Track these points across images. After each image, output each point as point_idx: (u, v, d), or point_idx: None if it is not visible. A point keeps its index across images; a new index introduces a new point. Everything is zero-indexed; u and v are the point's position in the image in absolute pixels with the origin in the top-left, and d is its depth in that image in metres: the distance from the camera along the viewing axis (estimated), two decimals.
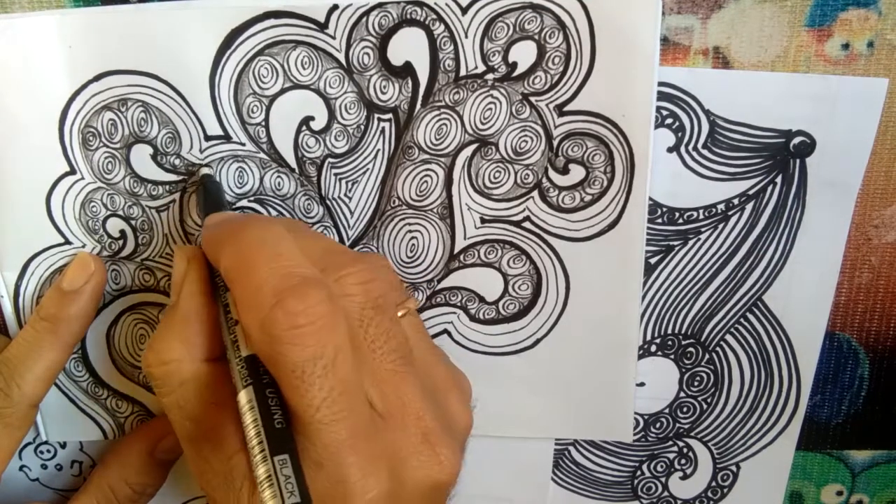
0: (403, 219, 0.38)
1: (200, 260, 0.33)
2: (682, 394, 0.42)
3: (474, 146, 0.37)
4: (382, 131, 0.36)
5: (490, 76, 0.35)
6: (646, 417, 0.43)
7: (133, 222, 0.38)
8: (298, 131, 0.36)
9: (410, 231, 0.38)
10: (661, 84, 0.35)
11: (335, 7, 0.34)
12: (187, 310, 0.32)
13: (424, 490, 0.31)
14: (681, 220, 0.38)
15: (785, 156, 0.37)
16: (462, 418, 0.34)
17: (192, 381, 0.31)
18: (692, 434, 0.43)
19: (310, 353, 0.27)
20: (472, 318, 0.40)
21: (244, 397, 0.28)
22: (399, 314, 0.33)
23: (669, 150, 0.37)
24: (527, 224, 0.38)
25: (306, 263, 0.30)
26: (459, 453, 0.32)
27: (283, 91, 0.36)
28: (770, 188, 0.37)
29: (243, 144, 0.36)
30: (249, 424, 0.28)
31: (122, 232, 0.38)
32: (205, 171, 0.37)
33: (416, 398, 0.31)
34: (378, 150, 0.37)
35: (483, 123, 0.36)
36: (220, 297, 0.32)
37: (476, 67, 0.35)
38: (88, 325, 0.38)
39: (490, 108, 0.36)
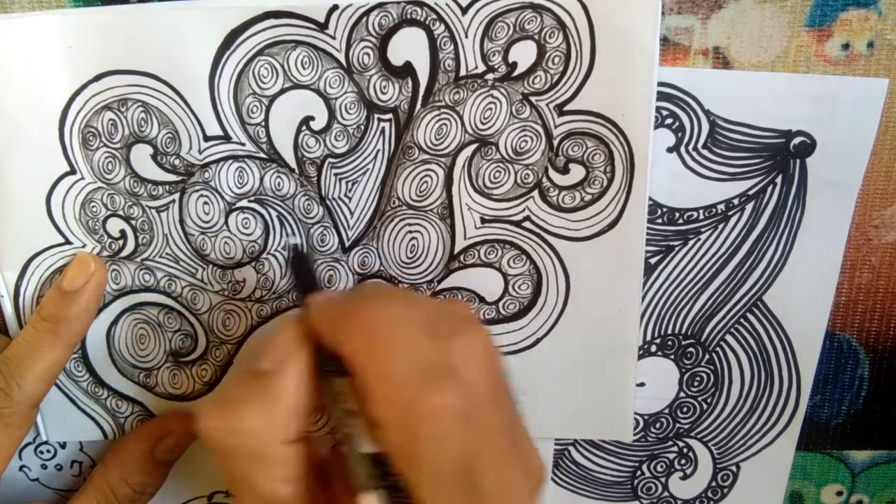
0: (403, 219, 0.38)
1: (312, 340, 0.31)
2: (682, 394, 0.42)
3: (474, 146, 0.37)
4: (382, 131, 0.36)
5: (490, 76, 0.35)
6: (646, 417, 0.43)
7: (133, 222, 0.38)
8: (298, 131, 0.36)
9: (410, 231, 0.38)
10: (661, 84, 0.35)
11: (335, 7, 0.34)
12: (288, 388, 0.30)
13: None
14: (681, 221, 0.38)
15: (785, 156, 0.37)
16: (540, 477, 0.32)
17: (269, 461, 0.29)
18: (692, 434, 0.43)
19: (450, 448, 0.26)
20: None
21: (373, 501, 0.27)
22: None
23: (669, 150, 0.37)
24: (527, 224, 0.38)
25: (435, 346, 0.28)
26: None
27: (283, 91, 0.36)
28: (770, 188, 0.37)
29: (243, 144, 0.36)
30: None
31: (122, 232, 0.38)
32: (293, 241, 0.36)
33: (519, 477, 0.30)
34: (378, 150, 0.37)
35: (483, 123, 0.36)
36: (332, 384, 0.30)
37: (476, 67, 0.35)
38: (89, 325, 0.38)
39: (490, 108, 0.36)
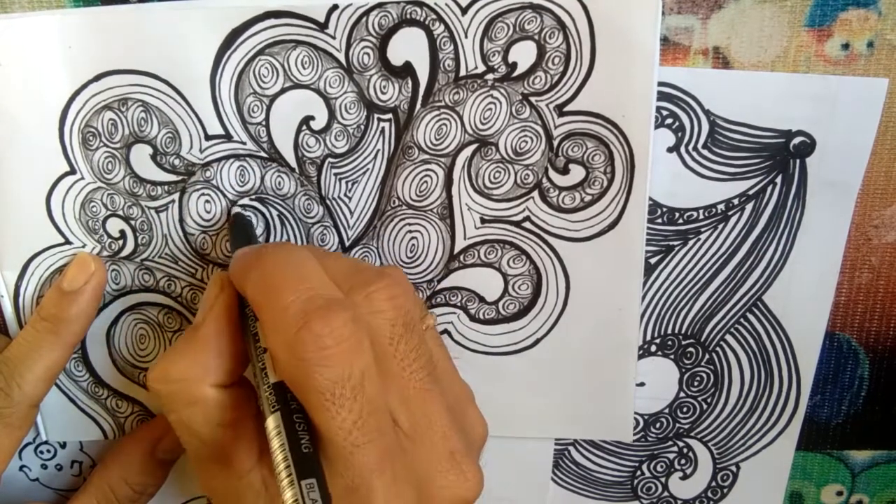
0: (403, 219, 0.38)
1: (232, 288, 0.33)
2: (682, 394, 0.42)
3: (474, 146, 0.37)
4: (382, 131, 0.36)
5: (490, 76, 0.35)
6: (646, 417, 0.43)
7: (133, 222, 0.38)
8: (299, 131, 0.36)
9: (410, 231, 0.38)
10: (661, 84, 0.35)
11: (335, 7, 0.34)
12: (209, 333, 0.32)
13: None
14: (681, 220, 0.38)
15: (785, 156, 0.37)
16: (479, 431, 0.34)
17: (200, 404, 0.31)
18: (692, 434, 0.43)
19: (338, 374, 0.27)
20: (472, 318, 0.40)
21: (272, 423, 0.28)
22: (423, 328, 0.33)
23: (669, 150, 0.37)
24: (527, 224, 0.38)
25: (331, 285, 0.30)
26: (479, 467, 0.32)
27: (283, 91, 0.36)
28: (770, 188, 0.37)
29: (244, 144, 0.36)
30: (277, 449, 0.27)
31: (122, 232, 0.38)
32: (236, 209, 0.37)
33: (442, 416, 0.31)
34: (378, 150, 0.37)
35: (483, 123, 0.36)
36: (250, 327, 0.31)
37: (476, 67, 0.35)
38: (89, 325, 0.38)
39: (490, 109, 0.36)
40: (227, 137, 0.36)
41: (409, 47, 0.35)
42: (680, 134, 0.37)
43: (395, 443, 0.29)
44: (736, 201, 0.38)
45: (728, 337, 0.41)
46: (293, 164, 0.37)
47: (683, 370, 0.41)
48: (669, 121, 0.36)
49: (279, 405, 0.29)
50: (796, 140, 0.36)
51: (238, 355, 0.32)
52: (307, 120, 0.36)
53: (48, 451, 0.43)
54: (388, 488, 0.28)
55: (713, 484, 0.44)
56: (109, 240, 0.38)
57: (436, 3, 0.34)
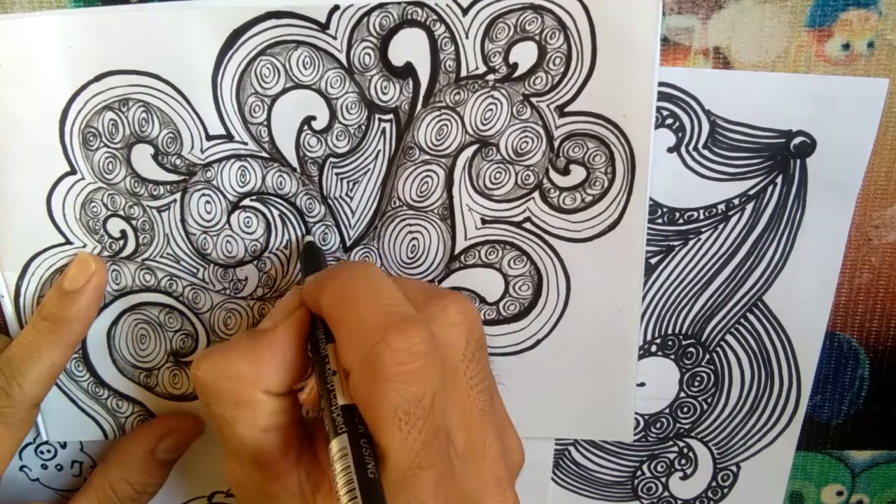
0: (404, 219, 0.38)
1: (306, 307, 0.32)
2: (682, 394, 0.42)
3: (475, 147, 0.37)
4: (383, 132, 0.36)
5: (491, 77, 0.35)
6: (646, 417, 0.43)
7: (134, 222, 0.38)
8: (300, 131, 0.36)
9: (411, 232, 0.38)
10: (661, 84, 0.35)
11: (336, 7, 0.34)
12: (278, 340, 0.31)
13: None
14: (681, 221, 0.38)
15: (785, 156, 0.37)
16: (518, 457, 0.34)
17: (249, 407, 0.31)
18: (692, 434, 0.43)
19: (412, 393, 0.27)
20: None
21: (336, 445, 0.27)
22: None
23: (670, 150, 0.37)
24: (527, 225, 0.38)
25: (406, 303, 0.29)
26: (516, 494, 0.32)
27: (284, 91, 0.36)
28: (770, 188, 0.37)
29: (245, 144, 0.36)
30: (340, 472, 0.27)
31: (123, 232, 0.38)
32: (308, 238, 0.38)
33: (494, 441, 0.31)
34: (379, 150, 0.37)
35: (484, 124, 0.36)
36: (322, 347, 0.31)
37: (477, 68, 0.35)
38: (90, 324, 0.38)
39: (491, 109, 0.36)
40: (229, 137, 0.36)
41: (410, 48, 0.35)
42: (680, 134, 0.37)
43: (451, 465, 0.29)
44: (736, 201, 0.38)
45: (728, 337, 0.41)
46: (294, 164, 0.37)
47: (684, 370, 0.41)
48: (670, 121, 0.36)
49: (346, 427, 0.28)
50: (796, 140, 0.37)
51: (298, 371, 0.32)
52: (308, 120, 0.36)
53: (48, 451, 0.43)
54: None
55: (713, 484, 0.44)
56: (110, 240, 0.38)
57: (437, 4, 0.34)
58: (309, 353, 0.32)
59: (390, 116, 0.36)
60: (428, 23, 0.34)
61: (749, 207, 0.38)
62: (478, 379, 0.31)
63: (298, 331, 0.32)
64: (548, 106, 0.36)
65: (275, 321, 0.32)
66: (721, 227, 0.38)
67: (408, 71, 0.35)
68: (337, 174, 0.37)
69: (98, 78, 0.35)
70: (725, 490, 0.44)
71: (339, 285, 0.30)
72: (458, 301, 0.31)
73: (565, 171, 0.37)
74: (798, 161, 0.37)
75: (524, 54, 0.35)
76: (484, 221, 0.38)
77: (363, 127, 0.36)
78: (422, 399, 0.27)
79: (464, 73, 0.35)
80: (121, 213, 0.38)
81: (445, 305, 0.31)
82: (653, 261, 0.39)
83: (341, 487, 0.26)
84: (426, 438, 0.27)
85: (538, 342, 0.40)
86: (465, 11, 0.34)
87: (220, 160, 0.37)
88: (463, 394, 0.30)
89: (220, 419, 0.31)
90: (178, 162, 0.37)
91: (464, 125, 0.36)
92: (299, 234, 0.38)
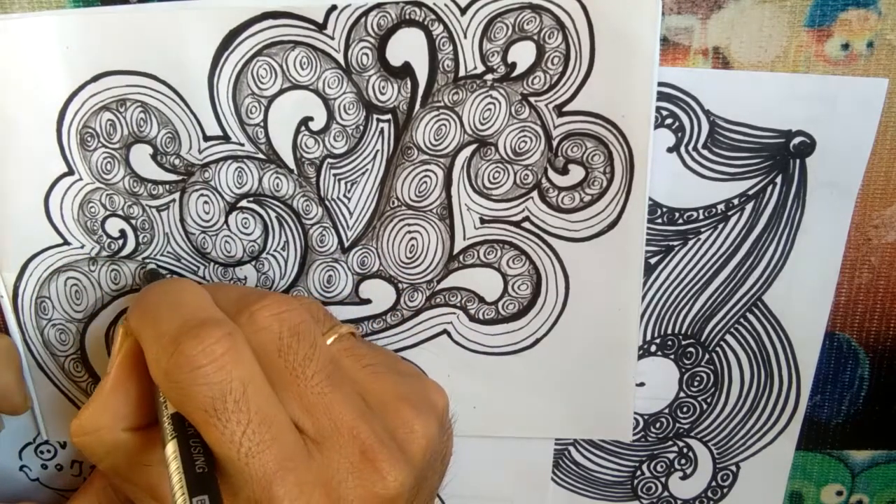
0: (403, 219, 0.38)
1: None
2: (681, 394, 0.42)
3: (473, 146, 0.36)
4: (381, 132, 0.36)
5: (489, 76, 0.35)
6: (646, 417, 0.43)
7: (133, 221, 0.38)
8: (297, 132, 0.36)
9: (410, 232, 0.38)
10: (660, 84, 0.35)
11: (334, 7, 0.34)
12: (115, 381, 0.32)
13: None
14: (681, 221, 0.38)
15: (785, 156, 0.37)
16: (416, 432, 0.33)
17: (121, 448, 0.32)
18: (692, 434, 0.43)
19: (217, 389, 0.28)
20: (472, 319, 0.40)
21: (169, 450, 0.29)
22: (328, 341, 0.33)
23: (669, 150, 0.37)
24: (526, 224, 0.38)
25: (207, 307, 0.30)
26: (406, 466, 0.32)
27: (281, 91, 0.36)
28: (770, 188, 0.37)
29: (242, 145, 0.36)
30: (173, 474, 0.28)
31: (122, 231, 0.38)
32: (150, 266, 0.38)
33: (347, 416, 0.31)
34: (377, 150, 0.37)
35: (482, 124, 0.36)
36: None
37: (475, 68, 0.35)
38: None
39: (489, 109, 0.36)
40: (225, 138, 0.36)
41: (408, 48, 0.35)
42: (680, 134, 0.36)
43: (297, 449, 0.29)
44: (736, 201, 0.38)
45: (728, 337, 0.41)
46: (292, 164, 0.37)
47: (683, 370, 0.41)
48: (669, 121, 0.36)
49: (176, 433, 0.29)
50: (796, 140, 0.36)
51: (149, 397, 0.32)
52: (306, 121, 0.36)
53: (48, 451, 0.44)
54: (292, 494, 0.28)
55: (713, 484, 0.44)
56: (109, 240, 0.38)
57: (435, 4, 0.34)
58: None
59: (388, 116, 0.36)
60: (426, 22, 0.34)
61: (749, 207, 0.38)
62: (302, 366, 0.31)
63: (132, 363, 0.32)
64: (546, 105, 0.36)
65: (111, 361, 0.33)
66: (721, 227, 0.38)
67: (406, 71, 0.35)
68: (334, 175, 0.37)
69: (95, 78, 0.35)
70: (725, 490, 0.44)
71: (142, 305, 0.31)
72: (270, 304, 0.32)
73: (564, 171, 0.37)
74: (798, 161, 0.37)
75: (522, 54, 0.35)
76: (483, 221, 0.38)
77: (361, 127, 0.36)
78: (230, 392, 0.28)
79: (462, 72, 0.35)
80: (120, 212, 0.38)
81: (254, 311, 0.31)
82: (652, 261, 0.39)
83: (174, 486, 0.28)
84: (247, 427, 0.28)
85: (537, 341, 0.40)
86: (463, 11, 0.34)
87: (217, 161, 0.37)
88: (292, 384, 0.31)
89: (107, 472, 0.33)
90: (176, 162, 0.37)
91: (462, 125, 0.36)
92: (146, 266, 0.39)
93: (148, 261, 0.38)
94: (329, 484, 0.30)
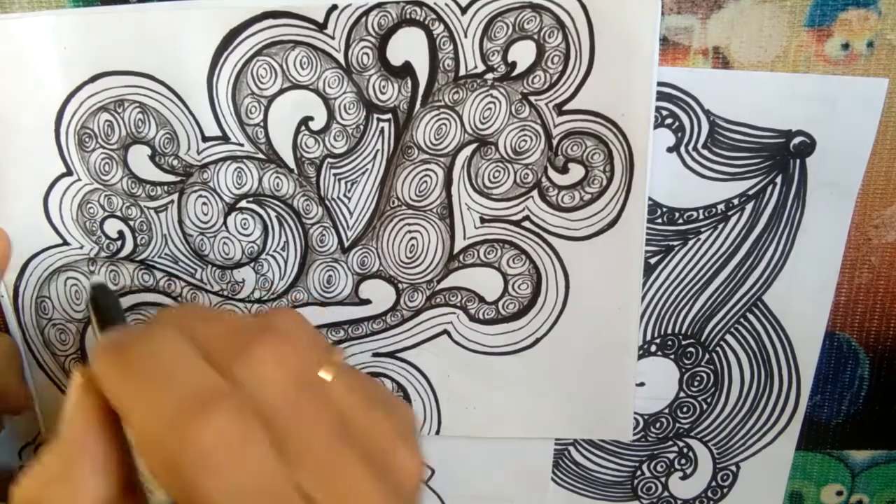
0: (403, 219, 0.38)
1: (97, 388, 0.27)
2: (681, 394, 0.42)
3: (474, 146, 0.36)
4: (382, 131, 0.36)
5: (489, 76, 0.35)
6: (646, 417, 0.42)
7: (131, 223, 0.38)
8: (297, 131, 0.36)
9: (410, 231, 0.38)
10: (660, 84, 0.35)
11: (334, 7, 0.34)
12: (75, 445, 0.27)
13: None
14: (681, 221, 0.38)
15: (785, 156, 0.37)
16: (410, 473, 0.30)
17: None
18: (692, 434, 0.43)
19: (234, 481, 0.24)
20: (472, 318, 0.40)
21: None
22: (328, 377, 0.29)
23: (669, 150, 0.37)
24: (526, 223, 0.38)
25: (205, 371, 0.26)
26: None
27: (281, 91, 0.35)
28: (770, 188, 0.37)
29: (241, 145, 0.36)
30: None
31: (120, 233, 0.38)
32: (95, 280, 0.35)
33: (360, 479, 0.28)
34: (377, 150, 0.37)
35: (482, 123, 0.36)
36: (128, 435, 0.27)
37: (475, 67, 0.35)
38: None
39: (489, 108, 0.36)
40: (225, 139, 0.36)
41: (408, 47, 0.35)
42: (680, 134, 0.36)
43: None
44: (736, 201, 0.38)
45: (728, 337, 0.41)
46: (292, 164, 0.37)
47: (683, 370, 0.41)
48: (669, 121, 0.36)
49: None
50: (796, 140, 0.36)
51: (122, 461, 0.27)
52: (306, 120, 0.36)
53: None
54: None
55: (713, 484, 0.44)
56: (107, 240, 0.38)
57: (435, 3, 0.34)
58: None
59: (389, 116, 0.36)
60: (426, 22, 0.34)
61: (749, 207, 0.38)
62: (312, 426, 0.27)
63: (98, 423, 0.27)
64: (546, 104, 0.36)
65: (66, 419, 0.28)
66: (721, 226, 0.38)
67: (406, 70, 0.35)
68: (335, 175, 0.37)
69: (93, 79, 0.35)
70: (725, 490, 0.44)
71: (123, 371, 0.26)
72: (269, 349, 0.27)
73: (564, 170, 0.37)
74: (797, 161, 0.37)
75: (523, 53, 0.35)
76: (483, 220, 0.38)
77: (361, 127, 0.36)
78: (247, 482, 0.24)
79: (462, 72, 0.35)
80: (118, 213, 0.38)
81: (252, 363, 0.27)
82: (652, 261, 0.39)
83: None
84: None
85: (537, 341, 0.40)
86: (463, 10, 0.34)
87: (216, 161, 0.37)
88: (302, 448, 0.27)
89: None
90: (175, 163, 0.37)
91: (462, 124, 0.36)
92: (90, 279, 0.36)
93: (95, 278, 0.36)
94: None
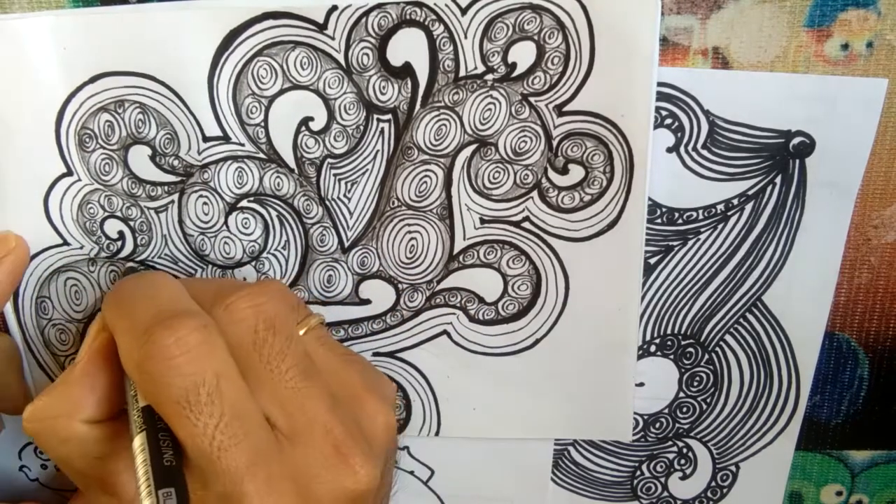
0: (403, 219, 0.38)
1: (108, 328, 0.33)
2: (681, 394, 0.42)
3: (474, 146, 0.36)
4: (382, 132, 0.36)
5: (489, 76, 0.35)
6: (645, 417, 0.43)
7: (132, 223, 0.38)
8: (298, 132, 0.36)
9: (410, 232, 0.38)
10: (660, 84, 0.35)
11: (334, 8, 0.34)
12: (83, 370, 0.32)
13: (341, 503, 0.31)
14: (680, 221, 0.38)
15: (784, 156, 0.37)
16: (379, 424, 0.34)
17: (75, 440, 0.31)
18: (692, 434, 0.43)
19: (190, 381, 0.28)
20: (472, 319, 0.40)
21: (137, 443, 0.29)
22: (301, 332, 0.33)
23: (669, 150, 0.37)
24: (526, 224, 0.38)
25: (181, 300, 0.30)
26: (375, 460, 0.32)
27: (282, 91, 0.36)
28: (769, 188, 0.37)
29: (242, 145, 0.36)
30: (140, 466, 0.28)
31: (121, 233, 0.38)
32: (129, 265, 0.38)
33: (321, 411, 0.31)
34: (377, 150, 0.37)
35: (482, 124, 0.36)
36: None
37: (475, 68, 0.35)
38: (3, 302, 0.38)
39: (489, 109, 0.36)
40: (225, 139, 0.36)
41: (408, 48, 0.35)
42: (679, 134, 0.36)
43: (268, 444, 0.29)
44: (735, 201, 0.38)
45: (728, 337, 0.41)
46: (292, 164, 0.37)
47: (683, 370, 0.41)
48: (669, 121, 0.36)
49: (145, 426, 0.29)
50: (796, 140, 0.36)
51: (114, 390, 0.32)
52: (306, 121, 0.36)
53: None
54: (262, 489, 0.28)
55: (713, 484, 0.44)
56: (107, 241, 0.38)
57: (435, 4, 0.34)
58: None
59: (389, 116, 0.36)
60: (426, 23, 0.34)
61: (748, 207, 0.38)
62: (277, 361, 0.31)
63: (104, 355, 0.32)
64: (546, 105, 0.36)
65: (81, 351, 0.33)
66: (720, 227, 0.38)
67: (406, 71, 0.35)
68: (335, 175, 0.37)
69: (93, 79, 0.35)
70: (725, 490, 0.44)
71: (116, 295, 0.31)
72: (246, 296, 0.31)
73: (564, 171, 0.37)
74: (797, 161, 0.37)
75: (523, 54, 0.35)
76: (483, 221, 0.38)
77: (361, 127, 0.36)
78: (203, 384, 0.28)
79: (462, 72, 0.35)
80: (118, 214, 0.38)
81: (230, 304, 0.31)
82: (652, 261, 0.39)
83: (140, 479, 0.27)
84: (220, 421, 0.28)
85: (537, 342, 0.40)
86: (463, 11, 0.34)
87: (217, 161, 0.37)
88: (266, 378, 0.31)
89: (58, 461, 0.32)
90: (175, 163, 0.37)
91: (462, 125, 0.36)
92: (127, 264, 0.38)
93: (130, 264, 0.38)
94: (300, 479, 0.30)
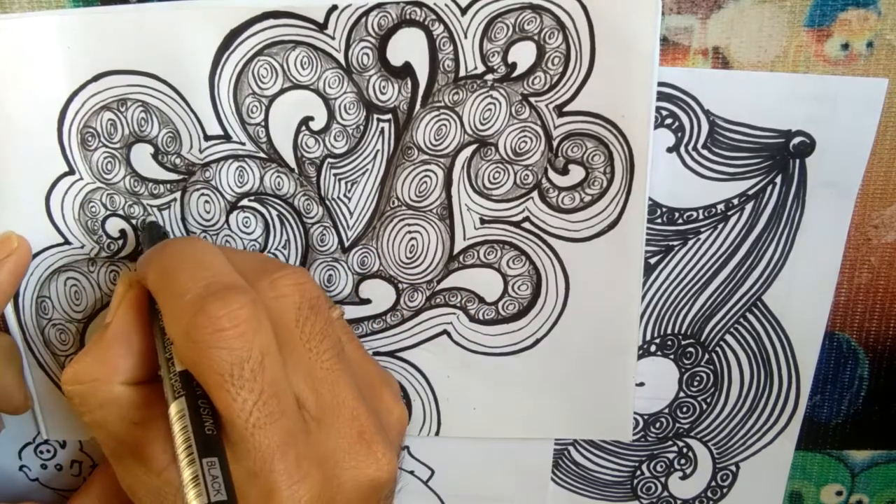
0: (403, 219, 0.38)
1: (140, 287, 0.33)
2: (681, 394, 0.42)
3: (474, 147, 0.37)
4: (382, 132, 0.36)
5: (489, 77, 0.35)
6: (645, 417, 0.43)
7: (134, 221, 0.38)
8: (298, 131, 0.36)
9: (410, 232, 0.38)
10: (660, 84, 0.35)
11: (334, 7, 0.34)
12: (116, 332, 0.32)
13: (362, 489, 0.31)
14: (680, 221, 0.38)
15: (784, 156, 0.37)
16: (396, 415, 0.35)
17: (113, 403, 0.31)
18: (692, 434, 0.43)
19: (236, 355, 0.28)
20: (472, 319, 0.40)
21: (175, 408, 0.28)
22: (335, 315, 0.34)
23: (669, 150, 0.37)
24: (526, 224, 0.38)
25: (232, 273, 0.30)
26: (394, 450, 0.32)
27: (282, 91, 0.36)
28: (770, 188, 0.37)
29: (243, 144, 0.36)
30: (178, 433, 0.28)
31: (122, 232, 0.38)
32: (150, 219, 0.37)
33: (350, 397, 0.31)
34: (377, 150, 0.37)
35: (482, 124, 0.36)
36: (158, 320, 0.31)
37: (475, 68, 0.35)
38: (5, 302, 0.38)
39: (489, 109, 0.36)
40: (226, 138, 0.36)
41: (408, 48, 0.35)
42: (680, 134, 0.37)
43: (299, 424, 0.29)
44: (735, 201, 0.38)
45: (728, 337, 0.41)
46: (292, 164, 0.37)
47: (683, 370, 0.41)
48: (669, 121, 0.36)
49: (184, 391, 0.29)
50: (796, 140, 0.36)
51: (149, 352, 0.32)
52: (306, 120, 0.36)
53: (48, 450, 0.43)
54: (291, 469, 0.28)
55: (713, 484, 0.44)
56: (108, 240, 0.38)
57: (435, 4, 0.34)
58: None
59: (389, 116, 0.36)
60: (426, 22, 0.34)
61: (748, 207, 0.38)
62: (316, 340, 0.31)
63: (136, 312, 0.32)
64: (546, 106, 0.36)
65: (111, 311, 0.33)
66: (720, 227, 0.38)
67: (406, 71, 0.35)
68: (335, 174, 0.37)
69: (96, 78, 0.35)
70: (725, 490, 0.44)
71: (163, 260, 0.31)
72: (291, 274, 0.32)
73: (564, 171, 0.37)
74: (797, 161, 0.37)
75: (523, 54, 0.35)
76: (483, 221, 0.38)
77: (361, 127, 0.36)
78: (248, 360, 0.28)
79: (462, 72, 0.35)
80: (120, 212, 0.38)
81: (276, 279, 0.31)
82: (652, 261, 0.39)
83: (180, 446, 0.27)
84: (259, 398, 0.28)
85: (537, 342, 0.40)
86: (463, 11, 0.34)
87: (218, 160, 0.37)
88: (303, 357, 0.31)
89: (93, 425, 0.32)
90: (177, 161, 0.37)
91: (462, 125, 0.36)
92: (150, 218, 0.38)
93: (151, 218, 0.38)
94: (326, 462, 0.30)
